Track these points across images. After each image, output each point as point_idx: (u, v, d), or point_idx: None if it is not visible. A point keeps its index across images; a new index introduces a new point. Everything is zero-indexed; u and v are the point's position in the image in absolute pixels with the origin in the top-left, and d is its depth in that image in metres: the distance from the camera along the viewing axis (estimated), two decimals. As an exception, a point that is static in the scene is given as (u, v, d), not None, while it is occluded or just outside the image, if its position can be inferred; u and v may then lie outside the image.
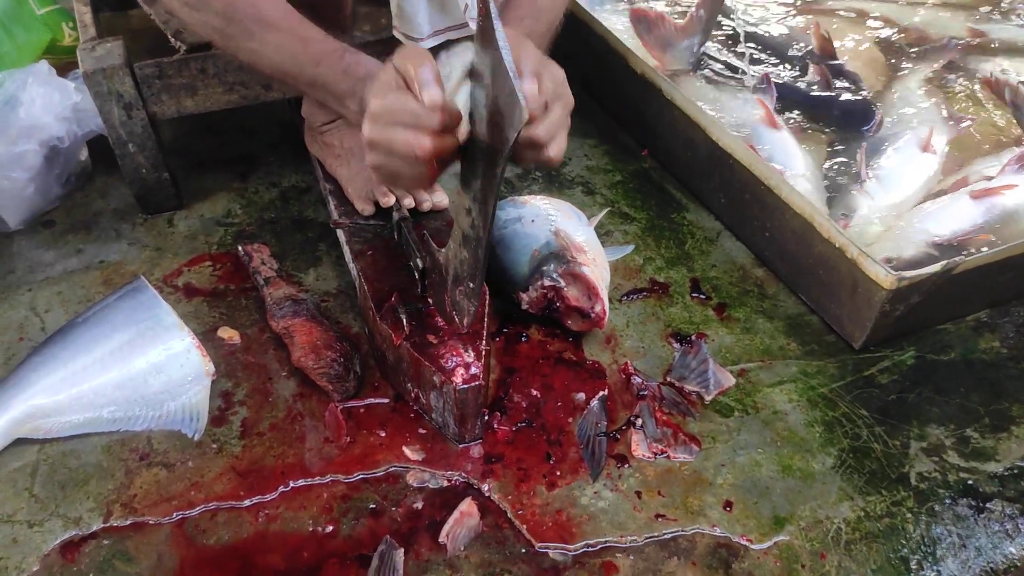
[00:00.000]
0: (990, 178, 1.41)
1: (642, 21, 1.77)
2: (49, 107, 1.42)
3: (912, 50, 1.85)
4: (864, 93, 1.71)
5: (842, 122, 1.63)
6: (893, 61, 1.83)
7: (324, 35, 1.04)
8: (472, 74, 0.86)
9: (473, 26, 0.87)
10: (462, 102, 0.89)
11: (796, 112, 1.66)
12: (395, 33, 1.20)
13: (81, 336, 1.16)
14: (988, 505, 1.07)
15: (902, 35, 1.91)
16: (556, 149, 0.92)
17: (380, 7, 1.36)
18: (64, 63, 1.57)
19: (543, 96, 0.88)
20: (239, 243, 1.40)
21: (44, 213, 1.47)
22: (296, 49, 1.03)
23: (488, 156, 0.85)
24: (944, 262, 1.14)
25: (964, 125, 1.60)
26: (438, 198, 1.34)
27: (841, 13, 2.00)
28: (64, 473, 1.07)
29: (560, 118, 0.92)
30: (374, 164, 0.94)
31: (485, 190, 0.87)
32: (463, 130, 0.89)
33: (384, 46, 1.39)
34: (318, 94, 1.08)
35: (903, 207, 1.41)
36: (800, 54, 1.82)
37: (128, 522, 1.02)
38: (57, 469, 1.07)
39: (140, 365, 1.14)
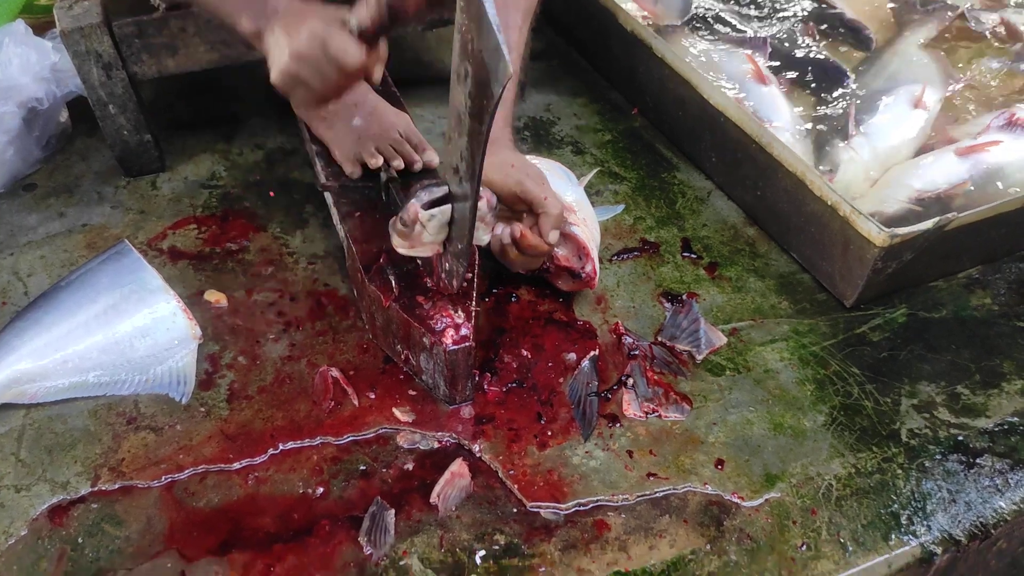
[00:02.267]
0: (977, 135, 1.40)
1: (632, -26, 1.74)
2: (27, 68, 1.39)
3: (920, 8, 1.82)
4: (869, 36, 1.69)
5: (818, 82, 1.61)
6: (899, 16, 1.80)
7: None
8: (457, 30, 0.84)
9: None
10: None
11: (787, 70, 1.64)
12: None
13: (65, 300, 1.14)
14: (978, 461, 1.08)
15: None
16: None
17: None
18: (41, 22, 1.53)
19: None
20: (224, 206, 1.38)
21: (25, 176, 1.44)
22: None
23: (475, 113, 0.83)
24: (937, 219, 1.13)
25: (959, 85, 1.58)
26: (428, 157, 1.32)
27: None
28: (50, 438, 1.06)
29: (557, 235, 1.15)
30: (284, 77, 1.04)
31: (472, 147, 0.86)
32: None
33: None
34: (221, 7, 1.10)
35: (890, 163, 1.40)
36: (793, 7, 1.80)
37: (116, 486, 1.01)
38: (43, 434, 1.06)
39: (125, 329, 1.13)
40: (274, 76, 1.04)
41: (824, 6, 1.81)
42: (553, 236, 1.13)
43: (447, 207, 0.99)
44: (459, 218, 0.98)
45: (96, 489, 1.01)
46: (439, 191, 1.00)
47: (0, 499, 0.99)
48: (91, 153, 1.50)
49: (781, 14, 1.79)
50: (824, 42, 1.72)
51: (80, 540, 0.96)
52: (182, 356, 1.14)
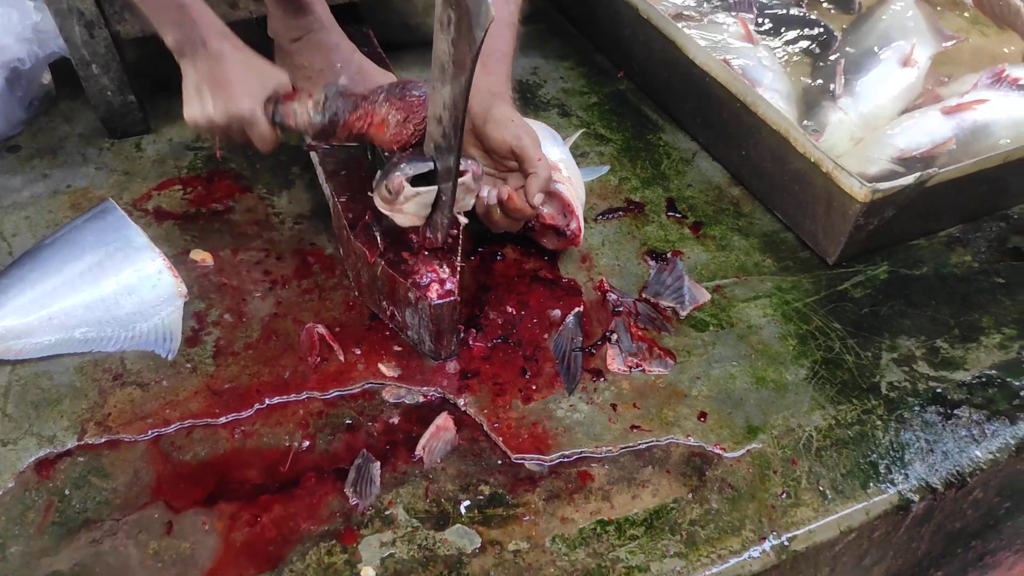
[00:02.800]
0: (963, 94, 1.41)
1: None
2: (8, 27, 1.38)
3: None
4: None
5: (806, 42, 1.61)
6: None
7: None
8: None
9: None
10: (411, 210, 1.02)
11: (775, 31, 1.64)
12: None
13: (50, 258, 1.14)
14: (956, 412, 1.09)
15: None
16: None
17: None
18: (22, -17, 1.52)
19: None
20: (210, 167, 1.38)
21: (8, 138, 1.43)
22: None
23: (458, 61, 0.83)
24: (918, 174, 1.14)
25: (949, 43, 1.58)
26: None
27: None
28: (37, 393, 1.06)
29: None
30: (196, 120, 1.10)
31: (455, 96, 0.86)
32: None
33: None
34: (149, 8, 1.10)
35: (879, 121, 1.40)
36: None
37: (103, 440, 1.02)
38: (30, 389, 1.07)
39: (111, 286, 1.13)
40: (185, 114, 1.09)
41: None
42: (538, 199, 1.13)
43: (433, 189, 1.00)
44: (443, 169, 0.98)
45: (83, 443, 1.01)
46: (424, 166, 1.00)
47: (-13, 453, 1.00)
48: (75, 115, 1.49)
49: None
50: (808, 2, 1.71)
51: (67, 492, 0.96)
52: (168, 313, 1.14)
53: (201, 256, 1.24)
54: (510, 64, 1.22)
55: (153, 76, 1.57)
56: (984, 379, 1.14)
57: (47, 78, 1.49)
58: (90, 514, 0.94)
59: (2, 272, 1.13)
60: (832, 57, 1.55)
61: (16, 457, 1.00)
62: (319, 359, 1.11)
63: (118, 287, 1.13)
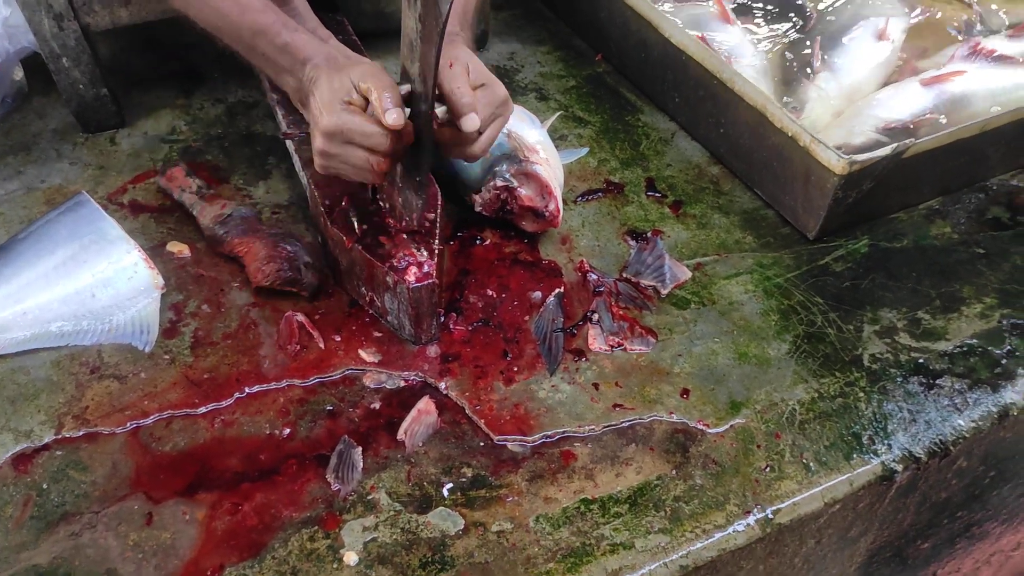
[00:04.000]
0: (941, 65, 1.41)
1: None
2: (-23, 23, 1.36)
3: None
4: None
5: (782, 19, 1.61)
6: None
7: (259, 3, 1.01)
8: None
9: None
10: None
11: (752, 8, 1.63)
12: None
13: (23, 252, 1.13)
14: (938, 382, 1.09)
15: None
16: (480, 150, 1.06)
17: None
18: (-9, -20, 1.50)
19: (472, 99, 0.99)
20: (186, 159, 1.36)
21: (-20, 136, 1.42)
22: (233, 13, 0.99)
23: (425, 36, 0.82)
24: (894, 144, 1.14)
25: (918, 13, 1.57)
26: None
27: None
28: (13, 388, 1.05)
29: (492, 138, 1.06)
30: (324, 168, 1.01)
31: (425, 71, 0.85)
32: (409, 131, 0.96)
33: None
34: (255, 61, 1.06)
35: (856, 96, 1.40)
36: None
37: (81, 433, 1.01)
38: (6, 385, 1.05)
39: (86, 279, 1.12)
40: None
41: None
42: (467, 123, 1.00)
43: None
44: (415, 147, 0.97)
45: (60, 437, 1.00)
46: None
47: (-37, 450, 0.99)
48: (48, 111, 1.48)
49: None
50: None
51: (45, 486, 0.95)
52: (145, 305, 1.13)
53: (178, 248, 1.23)
54: (463, 7, 1.14)
55: (128, 70, 1.56)
56: (965, 348, 1.13)
57: (19, 74, 1.47)
58: (69, 507, 0.94)
59: (-25, 268, 1.12)
60: (809, 34, 1.55)
61: (-7, 453, 0.99)
62: (299, 347, 1.11)
63: (94, 280, 1.12)
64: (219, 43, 1.15)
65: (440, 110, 1.00)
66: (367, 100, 0.97)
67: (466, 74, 1.01)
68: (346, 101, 0.96)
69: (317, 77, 1.01)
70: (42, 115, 1.47)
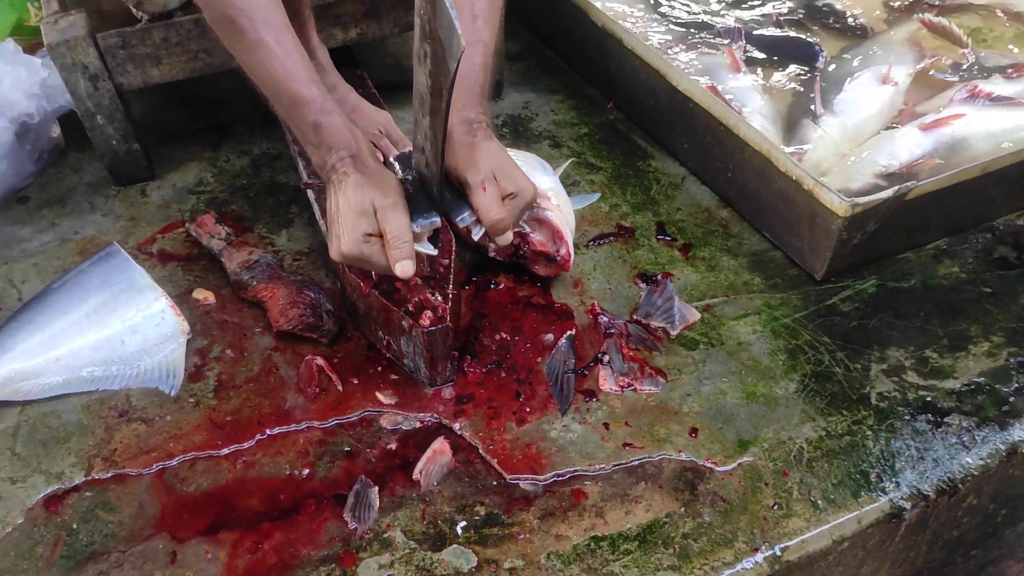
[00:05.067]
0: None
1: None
2: (17, 84, 1.44)
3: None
4: (859, 21, 1.74)
5: (792, 60, 1.65)
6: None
7: (305, 74, 1.04)
8: (416, 14, 0.88)
9: None
10: None
11: (759, 54, 1.67)
12: None
13: (57, 301, 1.18)
14: (946, 420, 1.10)
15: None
16: (505, 243, 1.09)
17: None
18: (32, 44, 1.58)
19: (503, 218, 1.04)
20: (212, 210, 1.42)
21: (18, 190, 1.49)
22: (278, 76, 1.04)
23: (434, 91, 0.87)
24: (896, 187, 1.16)
25: (927, 60, 1.60)
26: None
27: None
28: (45, 432, 1.10)
29: (509, 237, 1.08)
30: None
31: (435, 125, 0.89)
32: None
33: (342, 7, 1.42)
34: (288, 123, 1.11)
35: (859, 137, 1.43)
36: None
37: (109, 474, 1.05)
38: (38, 429, 1.10)
39: (116, 326, 1.17)
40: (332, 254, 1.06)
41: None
42: (501, 241, 1.08)
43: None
44: (426, 199, 1.01)
45: (89, 478, 1.04)
46: (432, 223, 1.03)
47: (-2, 491, 1.03)
48: (83, 165, 1.55)
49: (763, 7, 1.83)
50: (816, 29, 1.75)
51: (75, 526, 0.99)
52: (171, 350, 1.18)
53: (203, 295, 1.28)
54: (472, 85, 1.13)
55: (158, 125, 1.63)
56: (973, 387, 1.15)
57: (56, 131, 1.55)
58: (97, 547, 0.97)
59: (11, 316, 1.17)
60: (813, 78, 1.59)
61: (25, 494, 1.03)
62: (318, 390, 1.14)
63: (123, 327, 1.17)
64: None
65: (477, 228, 1.06)
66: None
67: (497, 194, 1.05)
68: (366, 234, 1.00)
69: (341, 181, 1.04)
70: (77, 169, 1.54)
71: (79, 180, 1.52)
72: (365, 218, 1.00)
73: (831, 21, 1.78)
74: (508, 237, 1.07)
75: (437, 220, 1.02)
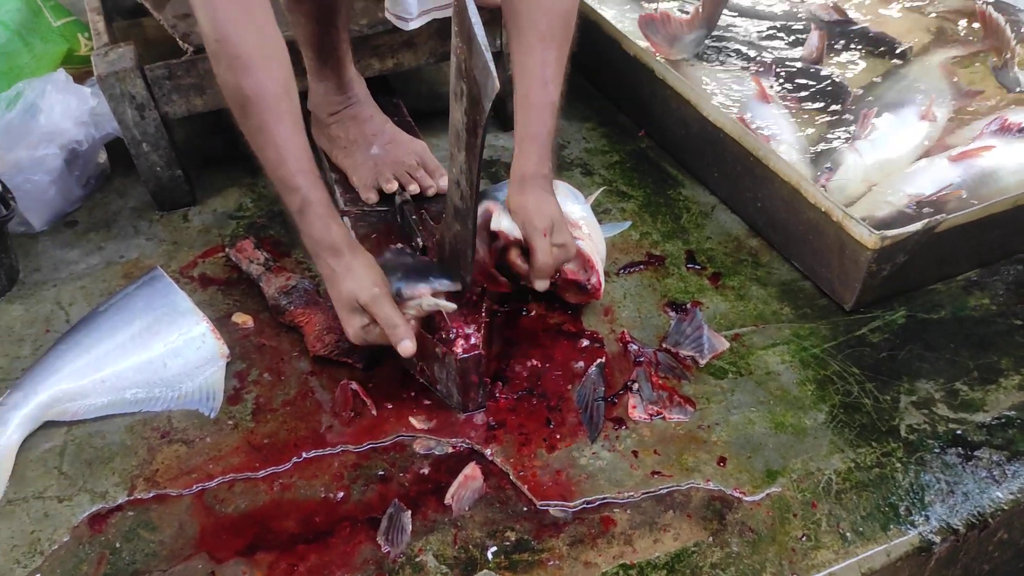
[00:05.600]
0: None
1: (649, 24, 1.74)
2: (67, 112, 1.49)
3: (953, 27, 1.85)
4: (899, 47, 1.75)
5: (822, 99, 1.66)
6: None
7: (296, 165, 1.09)
8: (453, 52, 0.91)
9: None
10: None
11: (789, 86, 1.69)
12: (387, 15, 1.26)
13: (103, 324, 1.22)
14: (976, 453, 1.10)
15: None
16: (543, 288, 1.23)
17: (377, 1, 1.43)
18: (81, 72, 1.64)
19: (551, 264, 1.18)
20: (251, 235, 1.46)
21: (67, 214, 1.54)
22: (269, 164, 1.10)
23: (469, 128, 0.90)
24: (925, 220, 1.17)
25: (968, 99, 1.60)
26: (443, 182, 1.39)
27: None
28: (90, 452, 1.13)
29: (547, 284, 1.22)
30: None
31: (470, 160, 0.92)
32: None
33: (379, 39, 1.46)
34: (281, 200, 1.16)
35: (888, 167, 1.43)
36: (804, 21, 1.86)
37: (151, 494, 1.08)
38: (84, 448, 1.14)
39: (159, 349, 1.20)
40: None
41: (847, 23, 1.86)
42: (539, 285, 1.22)
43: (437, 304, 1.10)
44: (462, 229, 1.04)
45: (132, 498, 1.08)
46: (451, 286, 1.11)
47: (44, 509, 1.07)
48: (128, 191, 1.60)
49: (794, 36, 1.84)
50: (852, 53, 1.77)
51: (118, 545, 1.02)
52: (211, 373, 1.21)
53: (243, 319, 1.31)
54: (544, 143, 1.22)
55: (200, 152, 1.68)
56: (1004, 420, 1.15)
57: (103, 157, 1.60)
58: (139, 566, 1.00)
59: (59, 339, 1.22)
60: (850, 107, 1.60)
61: (71, 513, 1.06)
62: (353, 414, 1.17)
63: (165, 350, 1.21)
64: None
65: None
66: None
67: (550, 244, 1.18)
68: (363, 326, 1.11)
69: (326, 275, 1.14)
70: (122, 194, 1.59)
71: (124, 205, 1.57)
72: (356, 313, 1.11)
73: (869, 46, 1.79)
74: (546, 284, 1.21)
75: (450, 283, 1.10)
